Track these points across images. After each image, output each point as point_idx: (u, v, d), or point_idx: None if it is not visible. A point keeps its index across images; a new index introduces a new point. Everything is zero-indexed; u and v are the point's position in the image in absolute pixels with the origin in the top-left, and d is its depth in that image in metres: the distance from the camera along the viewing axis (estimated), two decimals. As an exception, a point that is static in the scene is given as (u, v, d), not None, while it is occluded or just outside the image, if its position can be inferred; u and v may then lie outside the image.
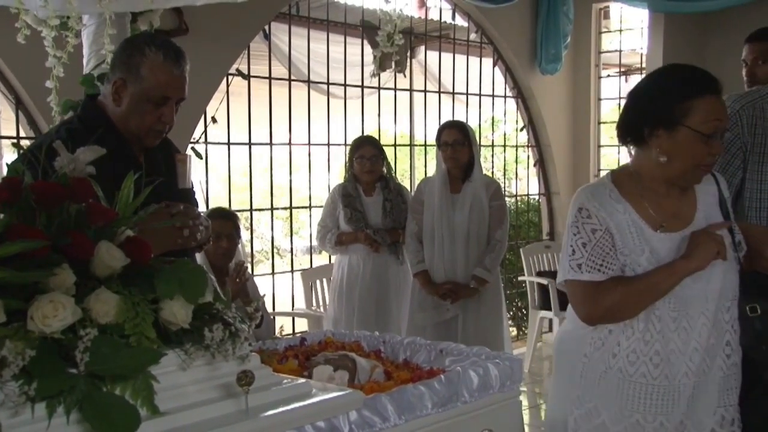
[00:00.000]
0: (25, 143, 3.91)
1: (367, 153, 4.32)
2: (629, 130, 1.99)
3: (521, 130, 6.96)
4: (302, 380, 1.60)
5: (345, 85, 5.50)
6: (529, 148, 7.04)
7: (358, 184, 4.37)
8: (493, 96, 6.63)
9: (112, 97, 2.14)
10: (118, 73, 2.13)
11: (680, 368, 1.94)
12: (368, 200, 4.35)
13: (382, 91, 5.80)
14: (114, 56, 2.21)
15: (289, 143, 5.30)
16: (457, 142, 4.10)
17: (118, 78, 2.13)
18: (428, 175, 6.43)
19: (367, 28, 5.49)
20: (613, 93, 7.13)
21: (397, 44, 2.95)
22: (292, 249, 5.83)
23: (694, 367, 1.94)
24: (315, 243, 4.64)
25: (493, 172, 7.55)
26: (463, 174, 4.17)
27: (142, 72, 2.11)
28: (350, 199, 4.32)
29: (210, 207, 4.62)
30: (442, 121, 6.36)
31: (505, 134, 7.02)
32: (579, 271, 1.95)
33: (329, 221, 4.37)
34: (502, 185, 7.16)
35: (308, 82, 5.31)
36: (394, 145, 6.02)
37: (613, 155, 7.28)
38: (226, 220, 3.52)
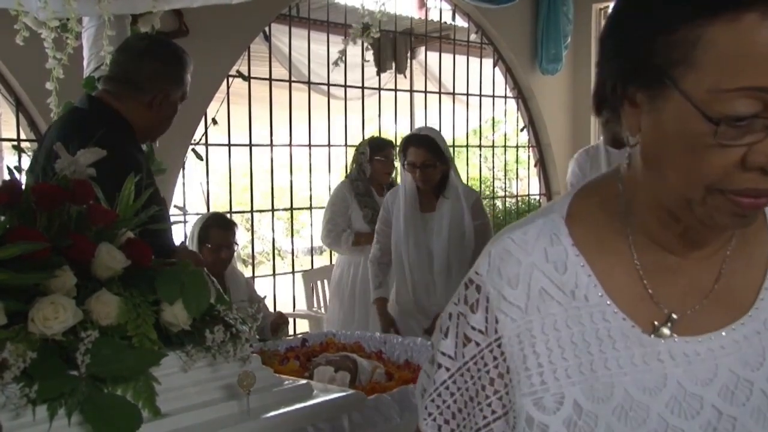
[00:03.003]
0: (25, 145, 3.91)
1: (390, 155, 4.39)
2: (600, 91, 0.86)
3: (522, 130, 6.96)
4: (303, 381, 1.61)
5: (345, 86, 5.49)
6: (530, 149, 7.04)
7: (369, 184, 4.37)
8: (493, 96, 6.63)
9: (148, 107, 2.23)
10: (162, 83, 2.24)
11: None
12: (380, 201, 4.36)
13: (382, 91, 5.80)
14: (151, 68, 2.26)
15: (290, 144, 5.30)
16: (427, 164, 3.36)
17: (162, 88, 2.24)
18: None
19: (366, 28, 5.48)
20: (613, 93, 7.13)
21: (372, 36, 2.94)
22: (293, 250, 5.83)
23: None
24: (323, 242, 4.56)
25: (493, 173, 7.55)
26: (436, 189, 3.45)
27: (184, 79, 2.28)
28: (367, 200, 4.31)
29: (210, 210, 4.61)
30: (443, 122, 6.42)
31: (505, 134, 7.02)
32: None
33: (340, 220, 4.33)
34: (503, 185, 7.18)
35: (308, 83, 5.31)
36: (395, 146, 6.01)
37: (614, 155, 7.28)
38: (226, 230, 3.47)
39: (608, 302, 0.84)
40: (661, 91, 0.77)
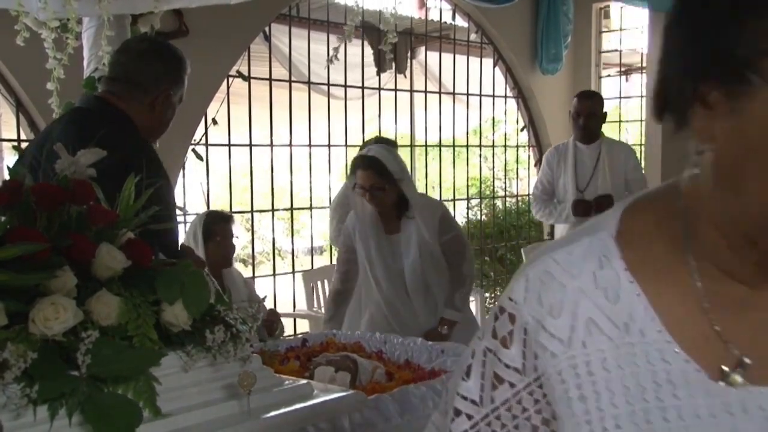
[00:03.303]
0: (25, 146, 3.91)
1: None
2: (664, 91, 0.73)
3: (522, 130, 6.96)
4: (304, 381, 1.61)
5: (345, 86, 5.49)
6: (530, 148, 7.03)
7: None
8: (493, 96, 6.62)
9: (150, 107, 2.26)
10: (164, 84, 2.28)
11: None
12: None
13: (382, 91, 5.80)
14: (153, 69, 2.30)
15: (290, 144, 5.30)
16: (376, 188, 3.16)
17: (164, 88, 2.27)
18: (428, 175, 6.45)
19: (367, 28, 5.49)
20: (613, 92, 7.12)
21: (390, 42, 2.93)
22: (293, 250, 5.83)
23: None
24: (333, 242, 4.54)
25: (494, 172, 7.55)
26: (397, 210, 3.27)
27: (184, 81, 2.33)
28: None
29: (209, 209, 4.61)
30: (443, 121, 6.41)
31: (505, 134, 7.02)
32: None
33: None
34: (503, 185, 7.18)
35: (308, 83, 5.30)
36: (398, 146, 6.01)
37: (614, 155, 7.28)
38: (228, 222, 3.56)
39: (668, 339, 0.70)
40: (745, 88, 0.63)
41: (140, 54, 2.30)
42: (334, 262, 4.71)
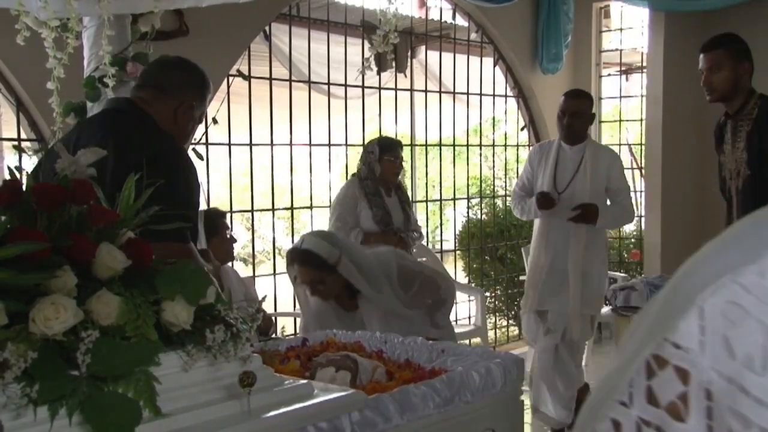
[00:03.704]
0: (26, 145, 3.91)
1: (399, 155, 4.45)
2: None
3: (522, 129, 6.96)
4: (304, 381, 1.61)
5: (346, 85, 5.49)
6: (530, 148, 7.03)
7: (379, 184, 4.38)
8: (493, 96, 6.62)
9: (173, 114, 2.34)
10: (188, 93, 2.38)
11: None
12: (388, 201, 4.38)
13: (382, 91, 5.80)
14: (177, 75, 2.41)
15: (290, 144, 5.30)
16: (316, 281, 2.99)
17: (188, 98, 2.37)
18: (428, 175, 6.44)
19: (367, 28, 5.49)
20: (613, 92, 7.12)
21: (392, 42, 2.90)
22: (293, 249, 5.82)
23: None
24: None
25: (494, 172, 7.55)
26: (348, 291, 3.04)
27: (206, 99, 2.45)
28: (377, 200, 4.34)
29: (208, 207, 4.62)
30: (444, 121, 6.41)
31: (505, 134, 7.02)
32: None
33: (350, 219, 4.32)
34: (503, 185, 7.17)
35: (309, 82, 5.31)
36: (403, 146, 6.01)
37: (614, 154, 7.26)
38: (225, 218, 3.63)
39: None
40: None
41: (167, 63, 2.48)
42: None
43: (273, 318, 3.55)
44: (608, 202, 4.29)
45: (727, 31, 3.55)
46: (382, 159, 4.36)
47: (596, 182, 4.24)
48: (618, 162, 4.45)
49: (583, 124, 4.32)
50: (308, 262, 2.93)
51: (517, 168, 7.11)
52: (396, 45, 2.82)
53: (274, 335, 3.32)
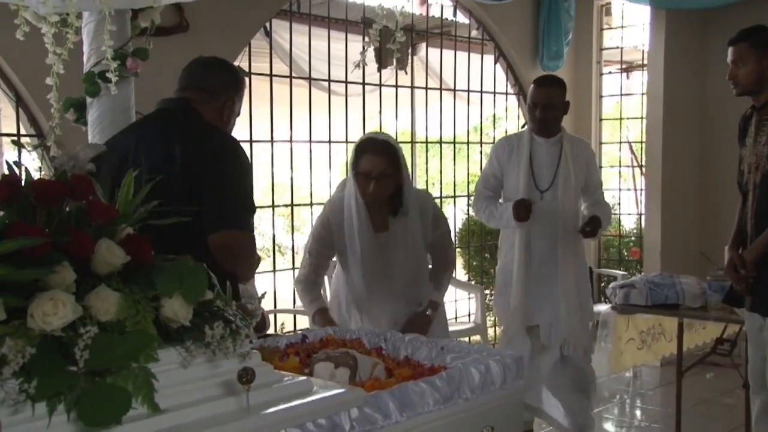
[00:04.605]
0: (25, 141, 3.91)
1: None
2: None
3: (523, 127, 6.95)
4: (303, 378, 1.61)
5: (346, 82, 5.49)
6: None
7: None
8: (494, 93, 6.62)
9: (220, 112, 2.49)
10: (229, 91, 2.52)
11: None
12: None
13: (383, 88, 5.79)
14: (220, 76, 2.55)
15: (290, 140, 5.30)
16: (384, 175, 2.99)
17: (230, 96, 2.51)
18: (428, 172, 6.44)
19: (368, 24, 5.48)
20: (614, 90, 7.11)
21: (399, 41, 2.88)
22: (293, 246, 5.82)
23: None
24: None
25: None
26: (388, 206, 3.09)
27: (243, 94, 2.60)
28: None
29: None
30: (444, 118, 6.40)
31: (506, 131, 7.01)
32: None
33: None
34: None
35: (309, 79, 5.30)
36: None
37: (614, 153, 7.26)
38: None
39: None
40: None
41: (207, 65, 2.58)
42: (334, 258, 4.72)
43: (266, 315, 3.50)
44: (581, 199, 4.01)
45: (726, 30, 3.54)
46: None
47: (579, 179, 3.92)
48: (593, 154, 4.21)
49: (558, 115, 3.90)
50: (386, 152, 3.00)
51: (518, 165, 7.10)
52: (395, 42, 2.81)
53: (266, 329, 3.32)
